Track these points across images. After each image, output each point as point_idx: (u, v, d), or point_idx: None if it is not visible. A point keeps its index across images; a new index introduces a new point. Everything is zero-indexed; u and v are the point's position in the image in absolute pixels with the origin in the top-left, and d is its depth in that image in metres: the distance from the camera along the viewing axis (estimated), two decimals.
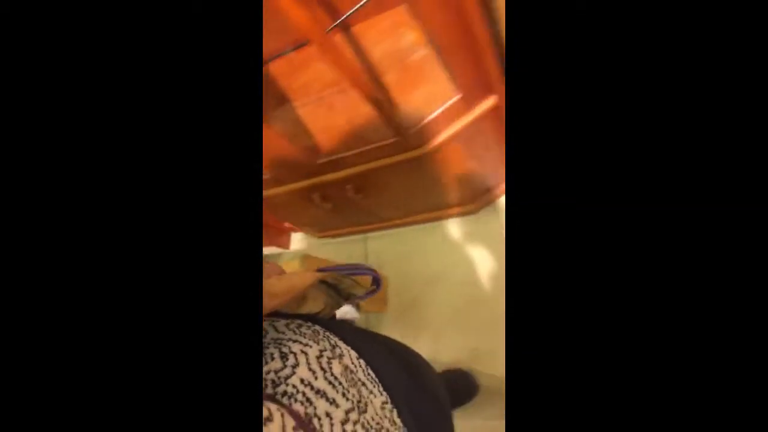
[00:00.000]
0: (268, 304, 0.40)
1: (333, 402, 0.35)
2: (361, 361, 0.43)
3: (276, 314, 0.44)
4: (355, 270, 0.60)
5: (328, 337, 0.43)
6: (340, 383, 0.37)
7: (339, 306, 0.60)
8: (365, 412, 0.37)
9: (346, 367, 0.40)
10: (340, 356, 0.41)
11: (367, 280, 0.62)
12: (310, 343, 0.40)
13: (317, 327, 0.44)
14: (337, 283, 0.56)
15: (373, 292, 0.62)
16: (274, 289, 0.43)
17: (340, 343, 0.43)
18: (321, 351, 0.39)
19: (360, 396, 0.38)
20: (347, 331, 0.48)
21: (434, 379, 0.63)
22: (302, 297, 0.49)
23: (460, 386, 1.12)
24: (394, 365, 0.49)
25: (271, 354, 0.36)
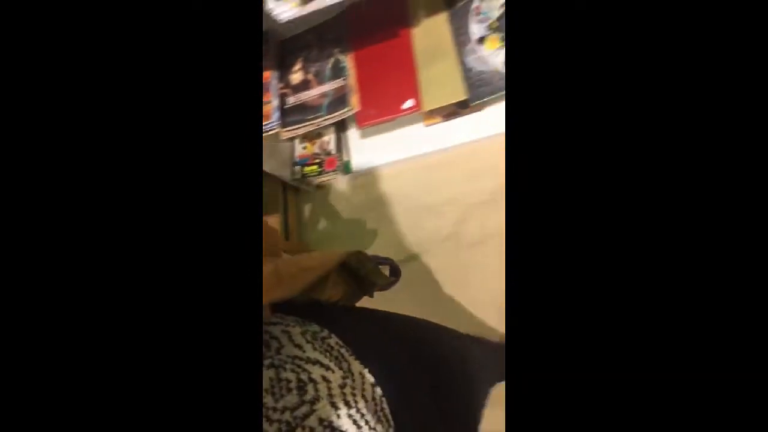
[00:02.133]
0: (299, 281, 0.36)
1: None
2: (377, 390, 0.36)
3: (291, 305, 0.38)
4: (372, 258, 0.54)
5: (343, 355, 0.37)
6: (367, 422, 0.32)
7: (358, 297, 0.55)
8: None
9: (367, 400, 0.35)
10: (362, 384, 0.35)
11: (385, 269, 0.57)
12: (332, 365, 0.34)
13: (332, 340, 0.38)
14: (361, 266, 0.51)
15: (393, 283, 0.57)
16: (305, 263, 0.39)
17: (355, 366, 0.37)
18: (344, 378, 0.34)
19: None
20: (364, 339, 0.41)
21: (462, 386, 0.54)
22: (324, 280, 0.44)
23: None
24: (418, 389, 0.41)
25: (287, 381, 0.31)
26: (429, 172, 1.19)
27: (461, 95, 0.98)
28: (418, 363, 0.44)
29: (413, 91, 1.02)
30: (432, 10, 1.05)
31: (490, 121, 1.07)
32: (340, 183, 1.31)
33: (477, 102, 0.99)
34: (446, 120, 1.13)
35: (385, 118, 1.06)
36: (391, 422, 0.35)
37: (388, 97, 1.05)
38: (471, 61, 0.98)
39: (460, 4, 1.01)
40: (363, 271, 0.52)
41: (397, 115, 1.05)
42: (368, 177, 1.27)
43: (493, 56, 0.96)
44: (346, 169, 1.24)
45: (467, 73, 0.98)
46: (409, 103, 1.03)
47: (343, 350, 0.37)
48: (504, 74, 0.95)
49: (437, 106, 1.02)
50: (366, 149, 1.23)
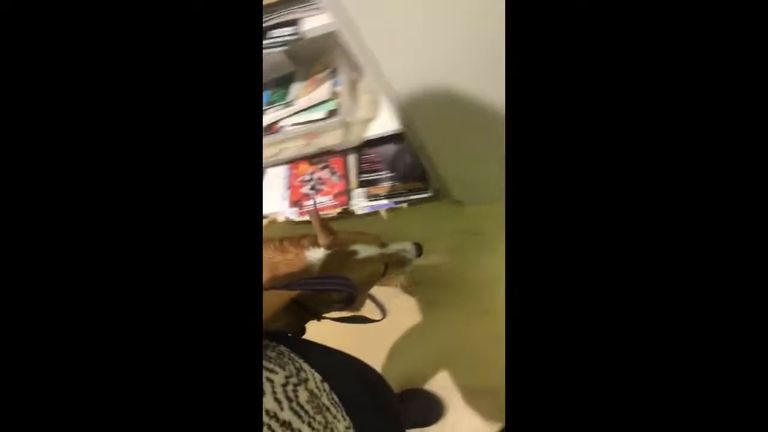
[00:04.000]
0: None
1: None
2: (326, 384, 0.43)
3: None
4: (328, 283, 0.59)
5: (293, 359, 0.42)
6: (306, 412, 0.37)
7: (303, 323, 0.59)
8: None
9: (311, 393, 0.40)
10: (305, 381, 0.40)
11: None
12: (276, 368, 0.38)
13: (282, 347, 0.43)
14: (308, 303, 0.55)
15: (345, 309, 0.61)
16: None
17: (305, 366, 0.42)
18: (287, 377, 0.38)
19: (326, 422, 0.38)
20: (311, 351, 0.46)
21: (391, 396, 0.62)
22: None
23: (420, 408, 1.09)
24: (358, 386, 0.48)
25: None
26: None
27: None
28: (361, 381, 0.50)
29: None
30: None
31: None
32: None
33: None
34: None
35: None
36: (341, 405, 0.42)
37: None
38: None
39: None
40: (311, 304, 0.57)
41: None
42: None
43: None
44: None
45: None
46: None
47: (293, 355, 0.42)
48: None
49: None
50: None
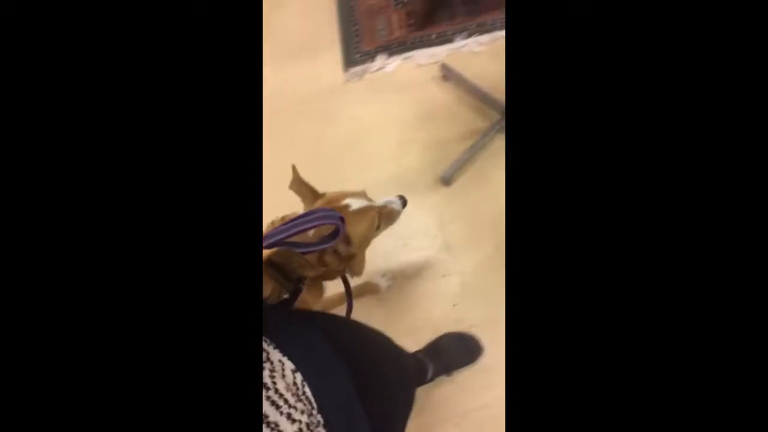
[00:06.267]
0: None
1: (275, 428, 0.31)
2: (298, 375, 0.37)
3: None
4: (309, 221, 0.54)
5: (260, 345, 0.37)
6: (286, 401, 0.33)
7: (288, 289, 0.55)
8: None
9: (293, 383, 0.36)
10: (282, 370, 0.37)
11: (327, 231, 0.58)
12: None
13: None
14: (285, 262, 0.52)
15: (331, 239, 0.57)
16: None
17: (275, 353, 0.38)
18: (262, 362, 0.35)
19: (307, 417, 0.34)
20: (286, 332, 0.42)
21: (388, 378, 0.56)
22: None
23: (460, 349, 1.08)
24: (338, 375, 0.42)
25: None
26: None
27: None
28: (339, 354, 0.44)
29: None
30: None
31: None
32: None
33: None
34: None
35: None
36: (314, 403, 0.36)
37: None
38: None
39: None
40: (290, 266, 0.53)
41: None
42: None
43: None
44: None
45: None
46: None
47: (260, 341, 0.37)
48: None
49: None
50: None
